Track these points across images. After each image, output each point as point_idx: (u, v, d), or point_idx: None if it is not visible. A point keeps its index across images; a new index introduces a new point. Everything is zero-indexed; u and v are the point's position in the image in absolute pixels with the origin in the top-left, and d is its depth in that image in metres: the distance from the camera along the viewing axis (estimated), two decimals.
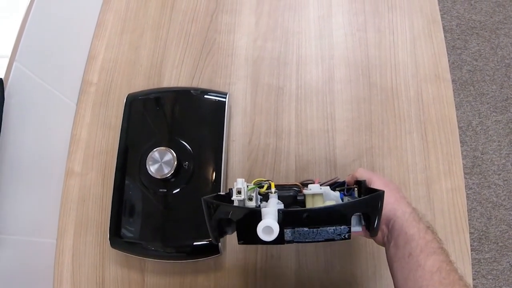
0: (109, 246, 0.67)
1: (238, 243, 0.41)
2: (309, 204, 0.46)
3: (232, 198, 0.47)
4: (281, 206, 0.47)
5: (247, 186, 0.48)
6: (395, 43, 0.79)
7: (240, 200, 0.47)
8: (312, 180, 0.58)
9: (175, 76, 0.80)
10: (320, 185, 0.48)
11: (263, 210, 0.38)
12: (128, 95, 0.74)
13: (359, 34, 0.80)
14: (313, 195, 0.45)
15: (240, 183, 0.47)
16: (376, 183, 0.49)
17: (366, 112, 0.75)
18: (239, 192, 0.46)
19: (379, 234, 0.47)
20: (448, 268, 0.41)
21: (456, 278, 0.41)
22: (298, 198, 0.48)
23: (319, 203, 0.46)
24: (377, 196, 0.41)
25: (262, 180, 0.50)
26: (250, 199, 0.50)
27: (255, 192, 0.49)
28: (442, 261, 0.42)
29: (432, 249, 0.43)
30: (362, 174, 0.52)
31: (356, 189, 0.53)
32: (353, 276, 0.65)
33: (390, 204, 0.47)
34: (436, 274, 0.41)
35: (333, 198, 0.48)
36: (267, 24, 0.83)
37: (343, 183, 0.55)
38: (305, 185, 0.52)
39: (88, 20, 0.85)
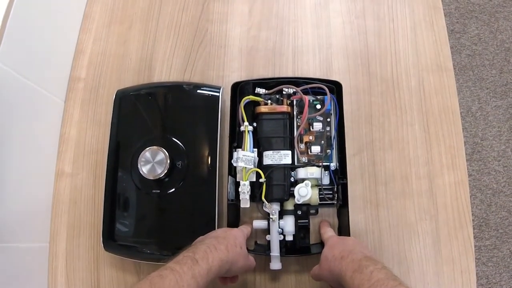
0: (103, 248, 0.65)
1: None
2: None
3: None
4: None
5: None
6: (395, 31, 0.76)
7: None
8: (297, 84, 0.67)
9: (166, 69, 0.76)
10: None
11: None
12: (117, 91, 0.70)
13: (357, 21, 0.77)
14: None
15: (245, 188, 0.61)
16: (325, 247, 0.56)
17: (366, 103, 0.72)
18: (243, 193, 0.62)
19: None
20: None
21: None
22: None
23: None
24: None
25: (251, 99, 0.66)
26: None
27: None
28: None
29: None
30: (322, 234, 0.62)
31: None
32: None
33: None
34: None
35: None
36: (261, 12, 0.79)
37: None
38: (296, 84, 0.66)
39: (74, 13, 0.81)
